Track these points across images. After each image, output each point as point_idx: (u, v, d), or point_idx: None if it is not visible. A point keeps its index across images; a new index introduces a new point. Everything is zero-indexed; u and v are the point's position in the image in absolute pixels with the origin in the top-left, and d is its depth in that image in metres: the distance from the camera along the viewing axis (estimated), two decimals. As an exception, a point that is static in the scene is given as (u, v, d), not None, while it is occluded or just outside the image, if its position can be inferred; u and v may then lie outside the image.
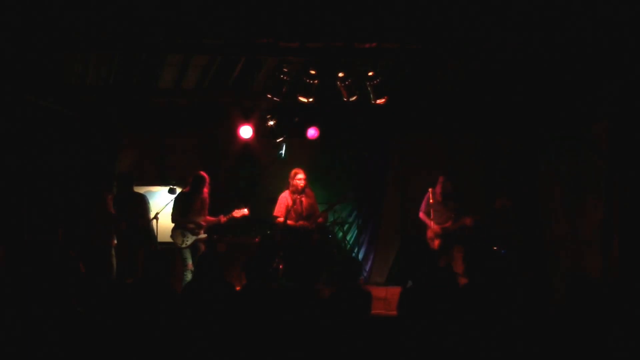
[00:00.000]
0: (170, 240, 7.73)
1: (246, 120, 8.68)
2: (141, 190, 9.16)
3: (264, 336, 4.14)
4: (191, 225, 7.58)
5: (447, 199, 7.87)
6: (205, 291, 4.75)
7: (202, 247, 7.70)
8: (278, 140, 8.81)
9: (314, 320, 4.27)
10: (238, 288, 5.05)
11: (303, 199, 7.83)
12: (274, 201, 8.09)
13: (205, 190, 7.70)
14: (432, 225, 7.79)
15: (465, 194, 8.29)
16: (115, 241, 8.12)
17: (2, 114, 7.29)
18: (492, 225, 8.46)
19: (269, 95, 7.27)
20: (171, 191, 8.32)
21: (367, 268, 9.52)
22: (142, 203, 8.08)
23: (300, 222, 7.80)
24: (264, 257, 4.94)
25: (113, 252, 8.02)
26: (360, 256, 9.54)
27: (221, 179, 9.46)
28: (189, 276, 7.37)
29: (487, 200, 8.97)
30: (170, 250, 7.76)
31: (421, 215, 8.02)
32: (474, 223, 7.80)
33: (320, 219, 8.08)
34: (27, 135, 7.76)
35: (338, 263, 8.23)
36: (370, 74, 7.07)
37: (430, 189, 7.90)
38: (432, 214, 7.83)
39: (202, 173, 7.75)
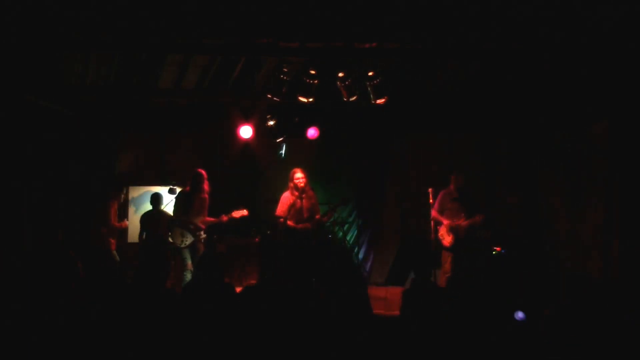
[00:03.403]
0: (169, 240, 7.72)
1: (246, 120, 8.68)
2: (141, 190, 9.19)
3: (264, 336, 4.14)
4: (191, 226, 7.57)
5: (460, 196, 7.88)
6: (205, 291, 4.75)
7: (201, 247, 7.69)
8: (278, 140, 8.82)
9: (313, 320, 4.26)
10: (238, 289, 5.04)
11: (304, 199, 7.82)
12: (274, 201, 8.08)
13: (206, 188, 7.69)
14: (445, 222, 7.79)
15: (472, 193, 8.30)
16: (114, 245, 8.15)
17: (2, 114, 7.28)
18: (500, 223, 8.47)
19: (269, 95, 7.27)
20: (171, 191, 8.33)
21: (367, 268, 9.52)
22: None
23: (301, 225, 7.78)
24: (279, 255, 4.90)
25: (115, 254, 8.07)
26: (360, 256, 9.55)
27: (221, 179, 9.47)
28: (188, 276, 7.37)
29: (487, 200, 8.97)
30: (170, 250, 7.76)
31: (433, 213, 7.98)
32: (484, 221, 7.80)
33: (325, 218, 8.06)
34: (27, 135, 7.76)
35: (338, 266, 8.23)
36: (370, 74, 7.07)
37: (447, 188, 7.91)
38: (445, 213, 7.83)
39: (200, 170, 7.75)
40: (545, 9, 5.84)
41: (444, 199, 7.91)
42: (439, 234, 7.86)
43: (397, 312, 5.02)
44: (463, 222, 7.74)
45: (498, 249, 8.23)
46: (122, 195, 8.79)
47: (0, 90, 7.09)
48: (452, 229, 7.76)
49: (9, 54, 6.48)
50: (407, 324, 4.72)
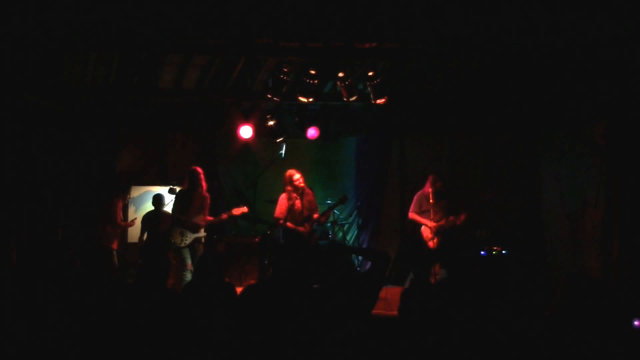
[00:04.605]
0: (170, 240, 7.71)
1: (246, 120, 8.67)
2: (141, 190, 9.19)
3: (264, 336, 4.14)
4: (189, 225, 7.56)
5: (439, 197, 7.86)
6: (205, 291, 4.74)
7: (201, 247, 7.67)
8: (278, 140, 8.82)
9: (313, 320, 4.26)
10: (238, 289, 5.03)
11: (303, 198, 7.81)
12: (273, 201, 8.07)
13: (204, 185, 7.67)
14: (430, 224, 7.77)
15: (463, 193, 8.30)
16: (116, 245, 8.19)
17: (2, 114, 7.29)
18: (500, 223, 8.46)
19: (269, 95, 7.26)
20: (171, 191, 8.33)
21: (367, 268, 9.52)
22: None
23: (301, 228, 7.74)
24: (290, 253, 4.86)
25: (115, 254, 8.09)
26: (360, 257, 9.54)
27: (221, 179, 9.47)
28: (188, 276, 7.35)
29: (486, 200, 8.97)
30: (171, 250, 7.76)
31: (411, 215, 7.98)
32: (465, 221, 7.80)
33: (322, 219, 8.05)
34: (27, 135, 7.76)
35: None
36: (370, 74, 7.06)
37: (423, 190, 7.91)
38: (431, 214, 7.81)
39: (195, 167, 7.73)
40: (546, 8, 5.85)
41: (421, 200, 7.90)
42: (424, 237, 7.85)
43: (396, 312, 5.02)
44: (445, 224, 7.76)
45: (498, 249, 8.23)
46: (128, 196, 8.83)
47: (0, 90, 7.09)
48: (437, 234, 7.76)
49: (9, 54, 6.48)
50: (406, 323, 4.72)
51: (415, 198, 8.00)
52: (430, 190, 7.82)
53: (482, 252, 8.12)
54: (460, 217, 7.76)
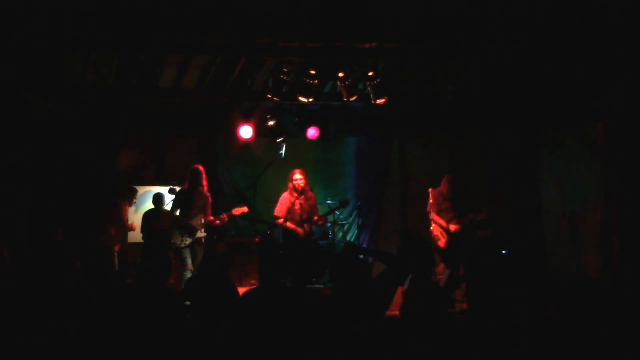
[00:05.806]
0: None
1: (246, 120, 8.68)
2: (141, 190, 9.18)
3: (266, 336, 4.14)
4: (187, 227, 7.55)
5: (452, 198, 7.83)
6: (208, 290, 4.74)
7: (201, 248, 7.67)
8: (278, 140, 8.82)
9: (314, 320, 4.26)
10: (241, 290, 5.03)
11: (303, 200, 7.81)
12: (273, 201, 8.07)
13: (205, 184, 7.67)
14: (445, 224, 7.70)
15: (464, 194, 8.28)
16: (118, 247, 8.18)
17: (2, 114, 7.28)
18: (500, 223, 8.43)
19: (269, 95, 7.27)
20: (171, 191, 8.32)
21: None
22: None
23: (300, 229, 7.74)
24: (274, 256, 4.85)
25: (115, 254, 8.09)
26: (360, 256, 9.52)
27: (221, 179, 9.46)
28: (188, 276, 7.35)
29: (486, 200, 8.97)
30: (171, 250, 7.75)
31: (433, 215, 7.83)
32: (472, 222, 7.77)
33: (320, 222, 8.04)
34: (27, 135, 7.75)
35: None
36: (370, 74, 7.06)
37: (431, 189, 7.87)
38: (439, 213, 7.78)
39: (197, 166, 7.71)
40: (546, 9, 5.85)
41: (438, 198, 7.82)
42: (433, 235, 7.80)
43: (397, 312, 5.03)
44: (456, 223, 7.72)
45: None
46: (134, 199, 8.82)
47: (0, 90, 7.09)
48: (447, 233, 7.72)
49: (9, 54, 6.48)
50: (407, 323, 4.72)
51: (435, 196, 7.88)
52: (443, 190, 7.78)
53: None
54: (463, 220, 7.72)
